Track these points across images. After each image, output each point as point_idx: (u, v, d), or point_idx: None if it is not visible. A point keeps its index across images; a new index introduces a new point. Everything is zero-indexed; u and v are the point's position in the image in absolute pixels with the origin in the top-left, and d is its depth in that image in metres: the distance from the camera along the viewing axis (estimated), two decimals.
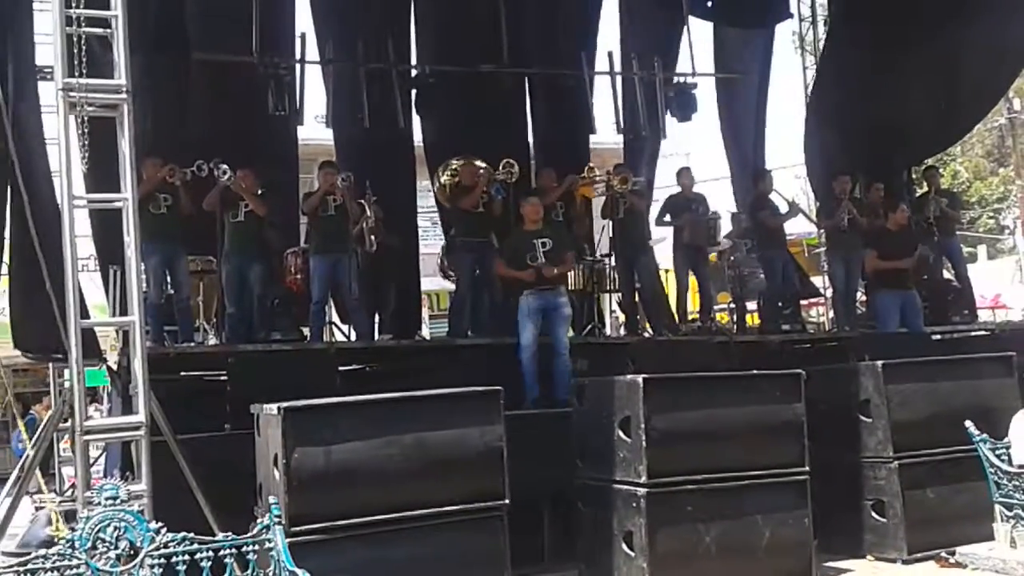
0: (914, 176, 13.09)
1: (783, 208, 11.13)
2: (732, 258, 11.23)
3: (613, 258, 10.59)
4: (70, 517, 6.25)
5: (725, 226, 11.58)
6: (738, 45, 12.91)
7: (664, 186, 12.10)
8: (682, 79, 12.01)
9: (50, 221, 6.70)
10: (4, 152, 7.24)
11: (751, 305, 11.52)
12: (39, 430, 7.75)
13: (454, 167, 10.39)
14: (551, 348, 8.30)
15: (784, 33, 15.93)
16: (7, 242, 7.73)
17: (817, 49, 13.92)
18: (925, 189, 12.19)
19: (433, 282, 13.15)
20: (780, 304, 10.49)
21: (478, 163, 10.15)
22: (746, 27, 12.86)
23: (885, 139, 12.30)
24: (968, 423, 6.49)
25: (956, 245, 12.24)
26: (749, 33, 12.90)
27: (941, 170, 14.44)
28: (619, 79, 12.10)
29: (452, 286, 10.65)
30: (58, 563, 4.01)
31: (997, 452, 6.41)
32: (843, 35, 12.80)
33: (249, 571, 4.31)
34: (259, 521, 4.48)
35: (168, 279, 8.68)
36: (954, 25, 11.92)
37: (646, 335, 10.39)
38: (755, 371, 6.88)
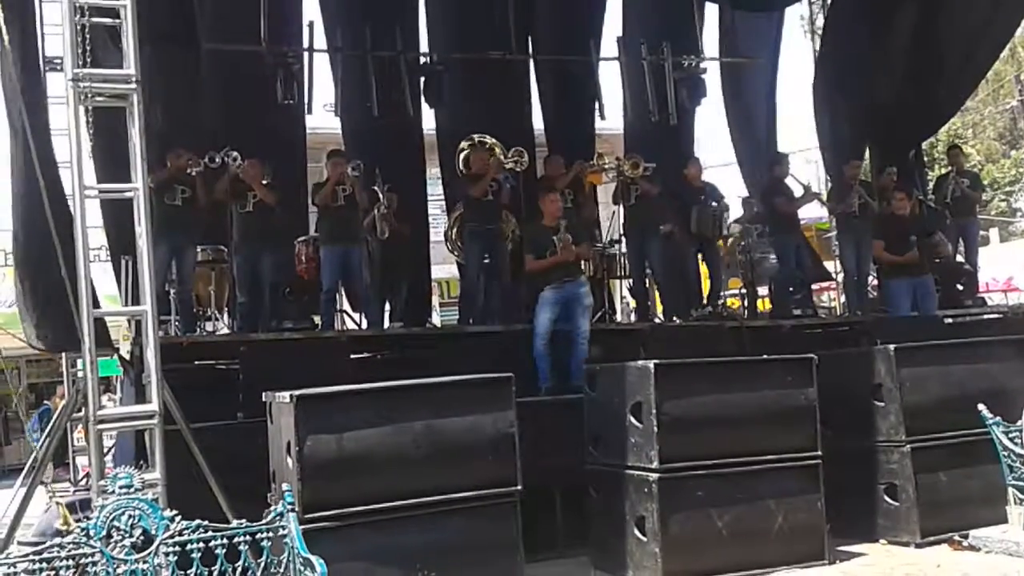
0: (924, 157, 13.04)
1: (798, 192, 11.11)
2: (743, 243, 11.21)
3: (623, 244, 10.58)
4: (84, 506, 6.27)
5: (735, 212, 11.58)
6: (748, 29, 12.85)
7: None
8: (691, 63, 11.97)
9: (60, 211, 6.72)
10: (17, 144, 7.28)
11: (762, 290, 11.50)
12: (53, 420, 7.79)
13: (466, 148, 10.41)
14: (570, 336, 8.32)
15: (793, 17, 15.85)
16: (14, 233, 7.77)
17: None
18: (948, 168, 12.18)
19: (443, 270, 13.16)
20: (791, 289, 10.47)
21: (494, 146, 10.15)
22: (756, 10, 12.79)
23: (885, 119, 12.28)
24: (981, 406, 6.47)
25: (974, 228, 12.20)
26: (759, 17, 12.83)
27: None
28: (628, 64, 12.07)
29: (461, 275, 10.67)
30: (73, 552, 4.03)
31: (1010, 435, 6.38)
32: (843, 14, 12.74)
33: (263, 558, 4.32)
34: (272, 508, 4.49)
35: (174, 270, 8.70)
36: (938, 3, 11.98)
37: (657, 321, 10.39)
38: (767, 356, 6.87)
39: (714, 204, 10.57)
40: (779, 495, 6.26)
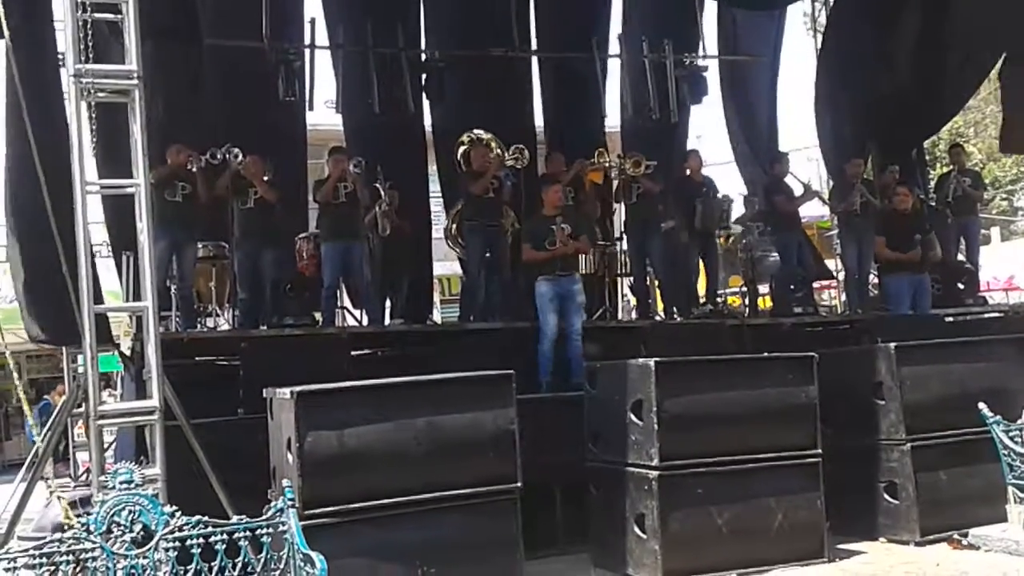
0: (925, 155, 13.02)
1: (798, 191, 11.11)
2: (744, 241, 11.20)
3: (624, 242, 10.58)
4: (84, 503, 6.27)
5: (737, 209, 11.57)
6: (750, 27, 12.83)
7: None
8: (693, 61, 11.95)
9: (61, 207, 6.70)
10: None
11: (763, 288, 11.50)
12: (53, 416, 7.79)
13: (465, 144, 10.41)
14: (564, 334, 8.34)
15: (795, 14, 15.81)
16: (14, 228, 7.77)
17: None
18: (950, 167, 12.18)
19: (445, 266, 13.15)
20: (792, 287, 10.47)
21: (492, 143, 10.14)
22: (758, 8, 12.77)
23: (887, 117, 12.27)
24: (982, 405, 6.47)
25: (975, 227, 12.19)
26: (761, 14, 12.81)
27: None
28: (628, 61, 12.05)
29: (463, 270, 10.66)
30: (73, 547, 4.03)
31: (1011, 434, 6.38)
32: (845, 12, 12.74)
33: (263, 554, 4.32)
34: (273, 504, 4.49)
35: (175, 266, 8.70)
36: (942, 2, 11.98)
37: (658, 319, 10.39)
38: (767, 354, 6.87)
39: (717, 197, 10.57)
40: (779, 493, 6.27)
